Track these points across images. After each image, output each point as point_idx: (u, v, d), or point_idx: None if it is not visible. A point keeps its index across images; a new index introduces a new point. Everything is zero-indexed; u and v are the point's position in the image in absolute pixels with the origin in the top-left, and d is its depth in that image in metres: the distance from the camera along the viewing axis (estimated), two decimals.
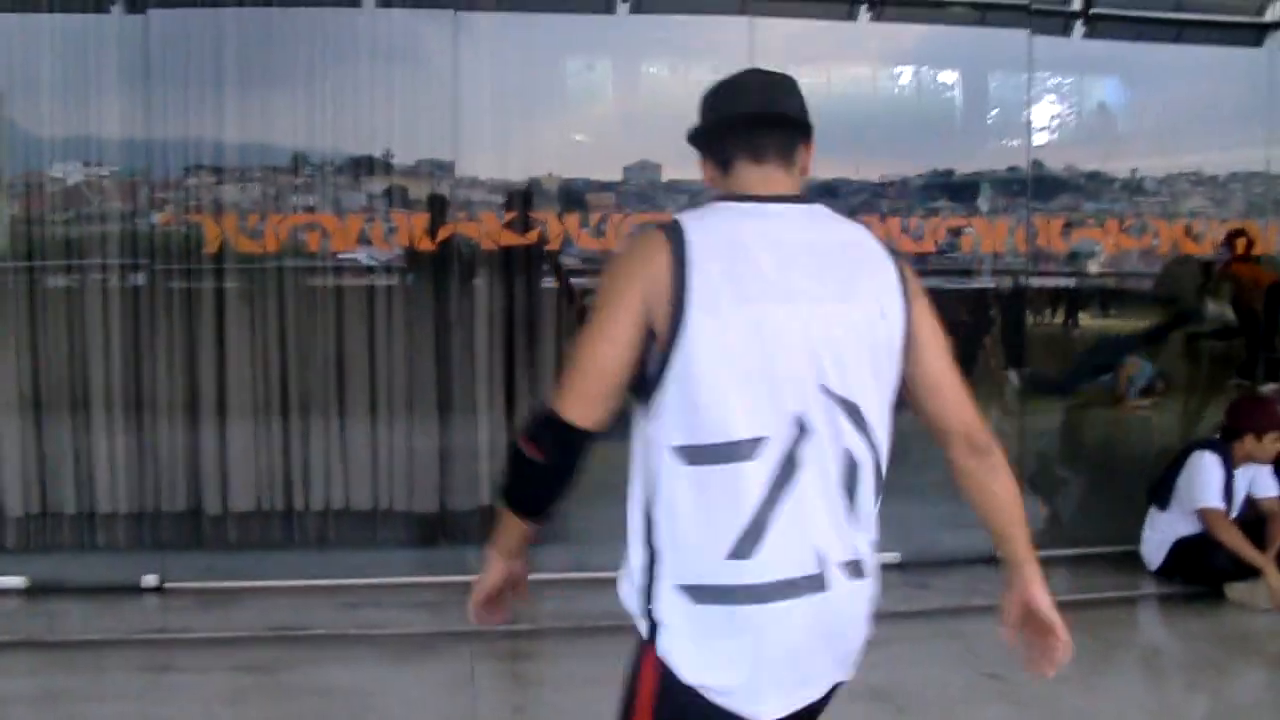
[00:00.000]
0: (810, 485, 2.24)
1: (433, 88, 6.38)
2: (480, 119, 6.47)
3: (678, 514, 2.30)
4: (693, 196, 8.25)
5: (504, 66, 6.52)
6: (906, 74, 8.11)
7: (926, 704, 4.67)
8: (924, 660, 5.22)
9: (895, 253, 2.42)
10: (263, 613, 5.67)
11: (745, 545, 2.22)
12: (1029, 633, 2.45)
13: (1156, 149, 8.25)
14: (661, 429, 2.29)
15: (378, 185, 6.48)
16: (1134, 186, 8.35)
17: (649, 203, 7.51)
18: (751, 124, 2.41)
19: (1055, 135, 7.99)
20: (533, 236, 6.23)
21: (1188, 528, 6.24)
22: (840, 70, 7.60)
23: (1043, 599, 2.44)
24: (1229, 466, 6.29)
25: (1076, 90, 8.30)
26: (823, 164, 8.01)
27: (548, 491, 2.46)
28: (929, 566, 6.24)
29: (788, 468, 2.23)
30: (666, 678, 2.35)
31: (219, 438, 6.33)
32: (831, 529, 2.27)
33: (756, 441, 2.21)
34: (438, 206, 6.34)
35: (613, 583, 6.11)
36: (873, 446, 2.32)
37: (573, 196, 6.75)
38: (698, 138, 2.48)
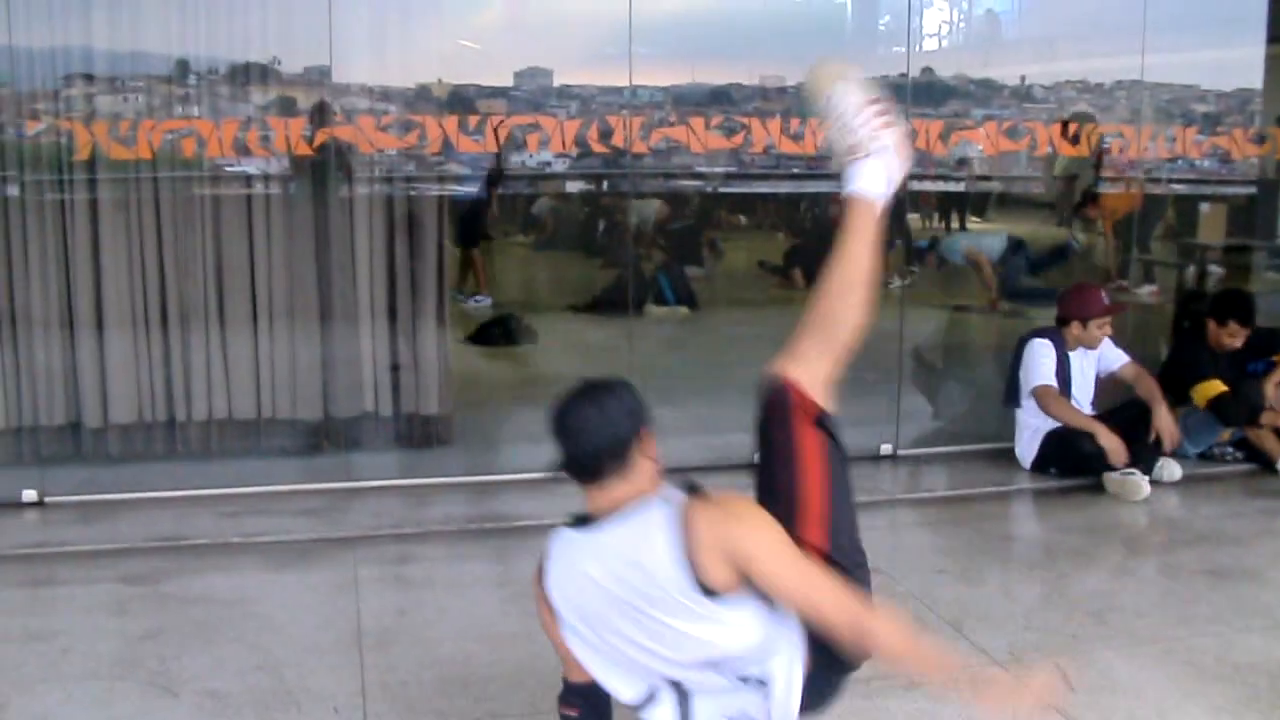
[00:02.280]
0: None
1: None
2: (358, 23, 6.38)
3: None
4: (584, 102, 8.24)
5: None
6: None
7: None
8: None
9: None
10: (145, 524, 5.63)
11: None
12: None
13: (1044, 56, 8.34)
14: None
15: (254, 91, 6.37)
16: (1022, 94, 8.44)
17: (540, 109, 7.47)
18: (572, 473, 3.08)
19: (943, 41, 8.05)
20: (411, 139, 6.16)
21: (1048, 420, 6.43)
22: None
23: None
24: (1062, 350, 6.48)
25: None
26: (715, 70, 8.00)
27: None
28: None
29: None
30: None
31: (97, 350, 6.24)
32: None
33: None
34: (315, 112, 6.25)
35: (495, 487, 6.15)
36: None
37: (461, 103, 6.69)
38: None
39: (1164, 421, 6.37)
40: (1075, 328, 6.51)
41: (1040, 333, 6.65)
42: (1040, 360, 6.49)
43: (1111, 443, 6.26)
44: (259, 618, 4.59)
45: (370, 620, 4.56)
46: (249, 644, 4.34)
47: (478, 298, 8.92)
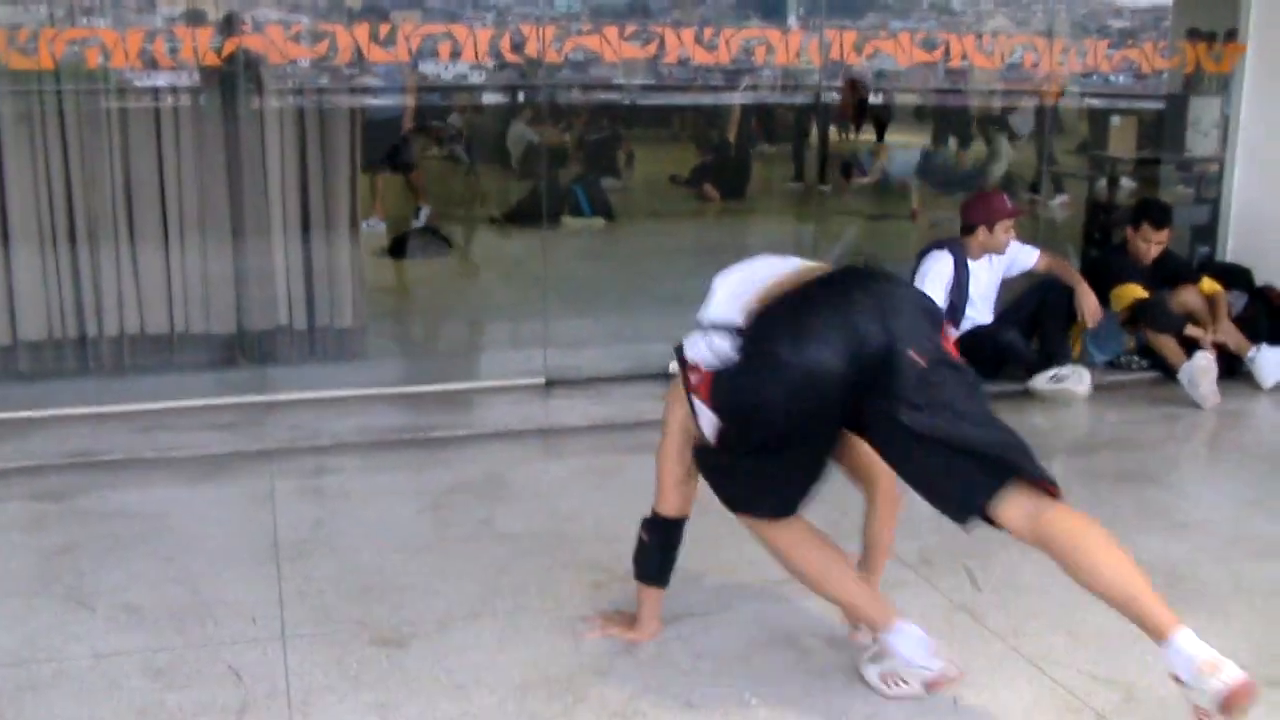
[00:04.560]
0: None
1: None
2: None
3: None
4: (500, 13, 8.17)
5: None
6: None
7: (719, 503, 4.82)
8: None
9: None
10: (58, 440, 5.58)
11: None
12: None
13: None
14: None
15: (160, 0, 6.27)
16: (940, 6, 8.48)
17: (455, 18, 7.40)
18: None
19: None
20: (321, 49, 6.07)
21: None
22: None
23: None
24: (961, 259, 6.56)
25: None
26: None
27: (660, 559, 3.67)
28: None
29: None
30: None
31: (3, 267, 6.14)
32: None
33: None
34: (223, 22, 6.14)
35: (410, 399, 6.15)
36: None
37: (375, 13, 6.62)
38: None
39: (1087, 300, 6.50)
40: (981, 233, 6.55)
41: (938, 244, 6.68)
42: (929, 273, 6.52)
43: (1090, 304, 6.55)
44: (174, 532, 4.58)
45: (286, 531, 4.57)
46: (164, 558, 4.33)
47: (370, 221, 8.67)
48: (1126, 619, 2.97)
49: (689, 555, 4.24)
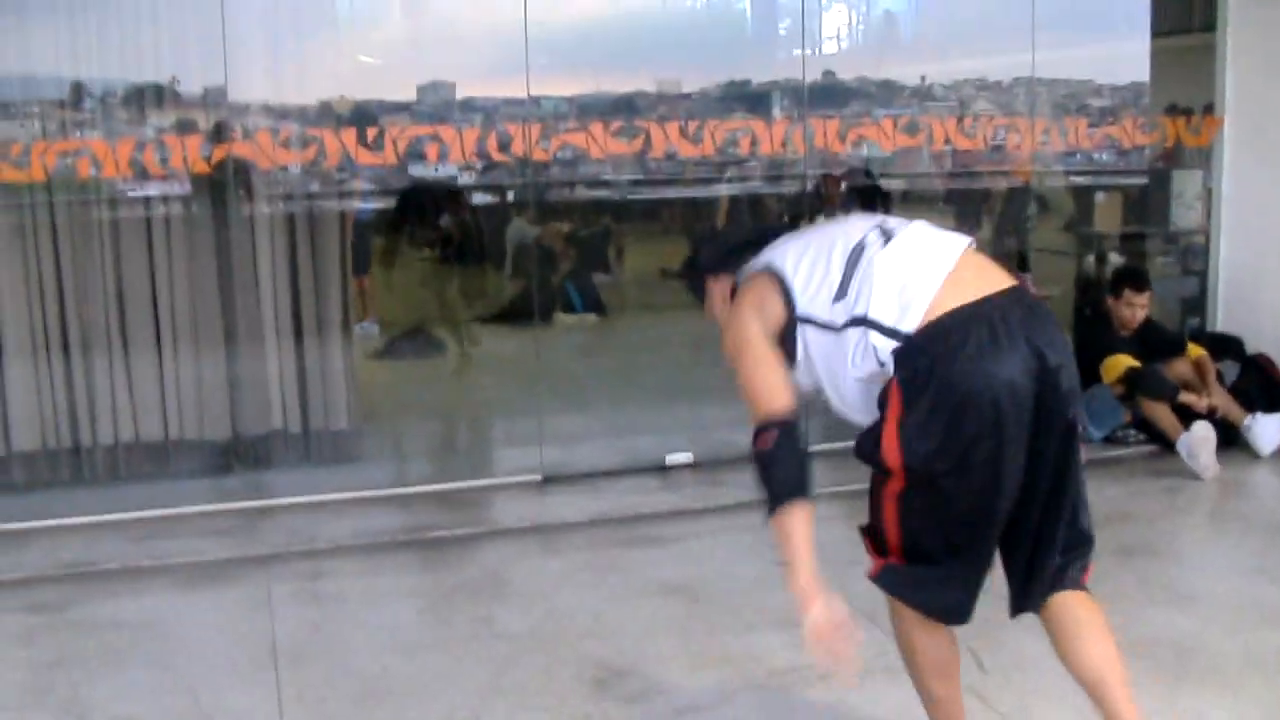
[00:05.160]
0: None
1: (201, 9, 6.17)
2: (254, 41, 6.35)
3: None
4: (486, 114, 8.24)
5: None
6: None
7: (719, 594, 4.79)
8: (717, 554, 5.36)
9: None
10: (52, 551, 5.55)
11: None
12: None
13: (941, 55, 8.46)
14: (822, 321, 2.98)
15: (150, 111, 6.32)
16: (922, 93, 8.55)
17: (443, 120, 7.45)
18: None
19: (841, 44, 8.14)
20: (309, 154, 6.12)
21: None
22: None
23: None
24: None
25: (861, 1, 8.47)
26: (618, 79, 8.02)
27: (796, 463, 2.90)
28: (722, 464, 6.38)
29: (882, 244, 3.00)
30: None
31: None
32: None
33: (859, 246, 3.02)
34: (213, 130, 6.20)
35: (406, 499, 6.13)
36: None
37: (363, 118, 6.67)
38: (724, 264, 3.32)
39: None
40: None
41: None
42: None
43: None
44: (171, 640, 4.55)
45: (285, 637, 4.53)
46: (162, 666, 4.29)
47: (364, 324, 8.56)
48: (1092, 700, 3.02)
49: (688, 645, 4.23)
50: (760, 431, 2.91)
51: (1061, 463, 2.92)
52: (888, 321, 2.84)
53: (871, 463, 2.93)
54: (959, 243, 2.98)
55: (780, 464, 2.88)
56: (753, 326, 3.00)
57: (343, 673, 4.21)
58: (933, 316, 2.80)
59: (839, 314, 2.92)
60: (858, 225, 3.08)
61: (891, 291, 2.87)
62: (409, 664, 4.27)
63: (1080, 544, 3.04)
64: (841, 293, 2.93)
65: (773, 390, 2.94)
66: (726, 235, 3.21)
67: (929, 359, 2.78)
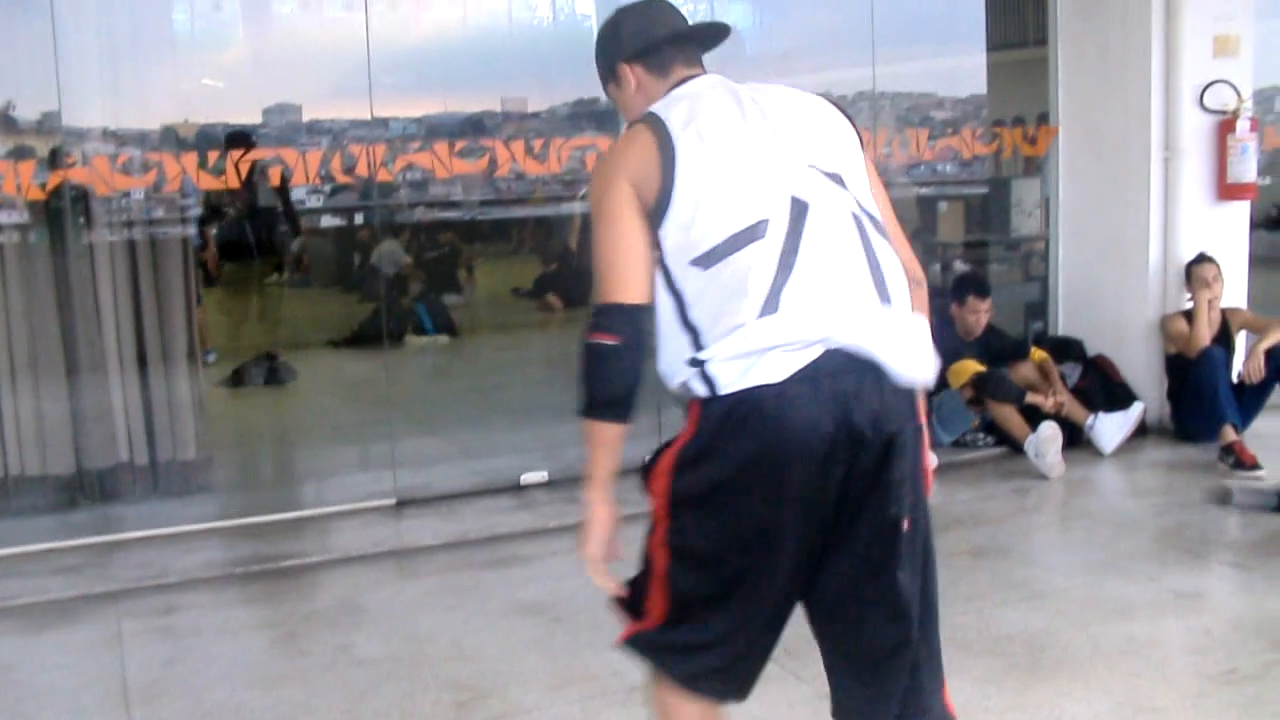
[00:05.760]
0: (819, 246, 2.45)
1: (32, 32, 6.01)
2: (88, 64, 6.21)
3: (707, 313, 2.44)
4: (335, 136, 8.16)
5: (109, 7, 6.31)
6: (542, 5, 8.19)
7: (580, 612, 4.78)
8: (577, 572, 5.34)
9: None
10: None
11: (769, 308, 2.39)
12: None
13: (783, 71, 8.57)
14: (675, 257, 2.48)
15: None
16: None
17: (289, 143, 7.38)
18: (693, 35, 2.78)
19: None
20: (149, 179, 5.99)
21: None
22: (476, 4, 7.62)
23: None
24: None
25: (703, 15, 8.53)
26: (466, 99, 7.98)
27: (633, 373, 2.51)
28: (578, 482, 6.37)
29: (792, 238, 2.44)
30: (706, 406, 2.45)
31: None
32: (851, 277, 2.47)
33: (755, 226, 2.43)
34: (48, 156, 6.04)
35: (258, 529, 6.02)
36: (872, 218, 2.57)
37: (207, 142, 6.57)
38: (633, 48, 2.75)
39: None
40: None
41: None
42: None
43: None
44: (17, 684, 4.40)
45: (136, 674, 4.42)
46: (8, 712, 4.16)
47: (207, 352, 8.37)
48: None
49: (551, 664, 4.22)
50: (602, 317, 2.48)
51: (883, 565, 2.57)
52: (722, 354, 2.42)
53: (644, 484, 2.58)
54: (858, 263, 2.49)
55: (614, 368, 2.49)
56: (622, 191, 2.50)
57: (197, 709, 4.11)
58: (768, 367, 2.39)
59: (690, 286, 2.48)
60: (782, 167, 2.50)
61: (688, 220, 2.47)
62: (266, 696, 4.19)
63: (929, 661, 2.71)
64: (708, 259, 2.45)
65: (630, 273, 2.49)
66: (653, 14, 2.76)
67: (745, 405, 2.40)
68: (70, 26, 5.95)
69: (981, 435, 7.08)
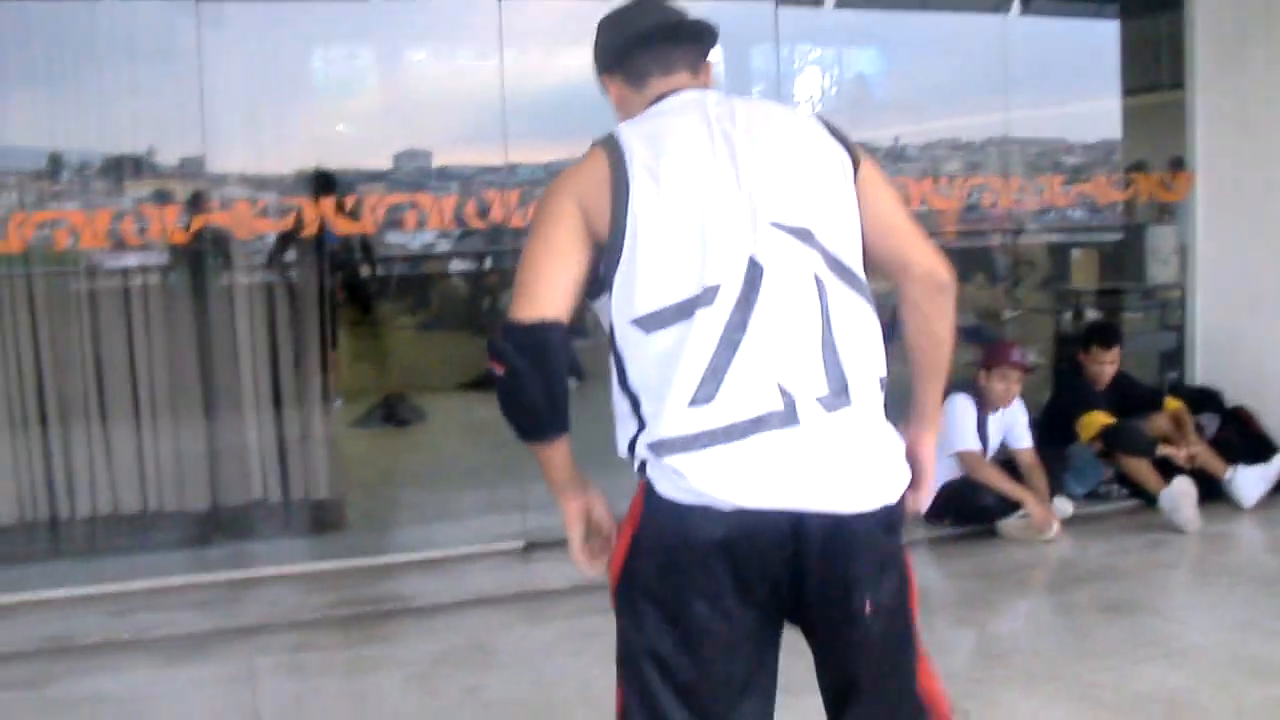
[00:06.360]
0: (770, 321, 2.26)
1: (179, 80, 6.17)
2: (231, 111, 6.36)
3: (645, 383, 2.31)
4: (464, 182, 8.25)
5: (251, 57, 6.45)
6: None
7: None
8: None
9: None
10: (30, 626, 5.46)
11: (703, 392, 2.23)
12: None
13: (913, 117, 8.53)
14: (619, 310, 2.31)
15: (127, 183, 6.33)
16: (896, 154, 8.61)
17: (420, 188, 7.47)
18: (664, 37, 2.53)
19: (815, 105, 8.19)
20: (288, 222, 6.10)
21: (949, 472, 6.42)
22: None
23: (927, 451, 2.60)
24: (982, 408, 6.52)
25: (833, 61, 8.53)
26: (558, 147, 8.03)
27: (534, 394, 2.35)
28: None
29: (743, 308, 2.25)
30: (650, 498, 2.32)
31: None
32: (801, 362, 2.26)
33: (705, 293, 2.25)
34: (190, 200, 6.18)
35: (388, 568, 6.06)
36: (845, 271, 2.34)
37: (342, 186, 6.68)
38: (608, 59, 2.59)
39: (1035, 510, 6.35)
40: (981, 377, 6.54)
41: (965, 388, 6.54)
42: (965, 421, 6.46)
43: (1039, 512, 6.32)
44: (152, 715, 4.50)
45: (268, 710, 4.48)
46: None
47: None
48: None
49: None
50: (494, 341, 2.35)
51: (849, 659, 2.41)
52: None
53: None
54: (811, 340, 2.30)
55: (509, 398, 2.38)
56: (564, 207, 2.36)
57: None
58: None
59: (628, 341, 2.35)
60: (741, 224, 2.30)
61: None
62: None
63: None
64: (649, 323, 2.31)
65: (539, 286, 2.34)
66: (633, 23, 2.55)
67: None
68: (216, 74, 6.10)
69: (1115, 487, 6.92)
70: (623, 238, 2.29)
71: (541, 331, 2.32)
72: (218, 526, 6.45)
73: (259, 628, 5.41)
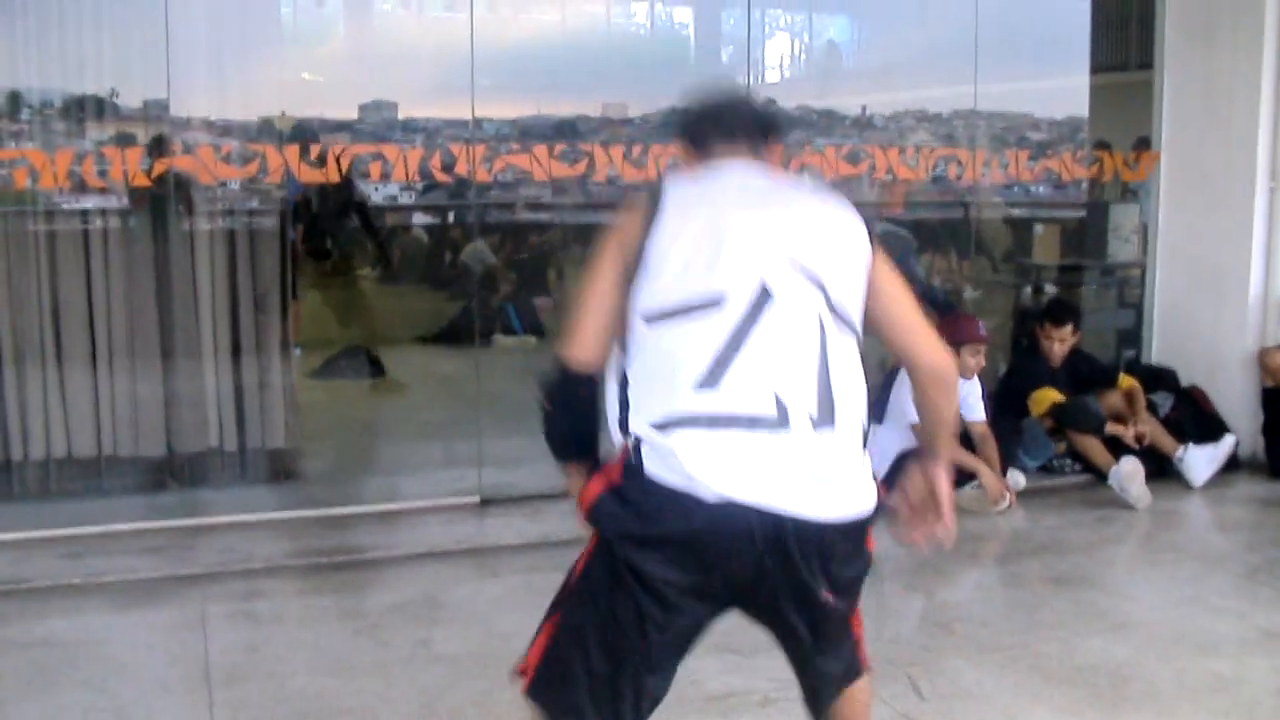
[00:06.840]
0: (772, 338, 2.47)
1: (144, 22, 6.11)
2: (197, 55, 6.30)
3: (647, 366, 2.53)
4: (428, 135, 8.22)
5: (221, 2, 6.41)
6: (641, 12, 8.22)
7: None
8: None
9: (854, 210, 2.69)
10: None
11: (709, 378, 2.45)
12: (918, 511, 2.81)
13: (882, 86, 8.54)
14: (635, 310, 2.55)
15: (90, 124, 6.27)
16: (864, 123, 8.62)
17: (383, 139, 7.43)
18: (734, 121, 2.79)
19: (785, 72, 8.19)
20: (251, 169, 6.06)
21: (904, 442, 6.44)
22: (576, 8, 7.67)
23: (944, 484, 2.76)
24: None
25: (803, 27, 8.53)
26: (561, 102, 8.03)
27: (567, 425, 2.71)
28: None
29: (748, 321, 2.47)
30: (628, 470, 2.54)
31: None
32: (796, 380, 2.47)
33: (714, 297, 2.48)
34: (153, 143, 6.12)
35: (343, 520, 6.06)
36: (845, 323, 2.56)
37: (305, 135, 6.64)
38: (680, 129, 2.89)
39: (989, 481, 6.43)
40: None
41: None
42: (907, 395, 6.48)
43: (992, 483, 6.38)
44: (103, 660, 4.48)
45: (219, 657, 4.47)
46: (94, 687, 4.22)
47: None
48: None
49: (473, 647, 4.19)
50: (544, 376, 2.69)
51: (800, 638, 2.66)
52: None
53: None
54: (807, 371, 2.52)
55: (550, 427, 2.72)
56: (610, 252, 2.62)
57: (277, 694, 4.16)
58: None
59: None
60: (760, 251, 2.53)
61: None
62: (345, 686, 4.22)
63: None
64: (660, 318, 2.55)
65: (583, 332, 2.60)
66: (710, 102, 2.89)
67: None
68: (181, 17, 6.03)
69: (1069, 462, 6.99)
70: (647, 254, 2.53)
71: (573, 384, 2.62)
72: (173, 473, 6.44)
73: (212, 575, 5.40)
